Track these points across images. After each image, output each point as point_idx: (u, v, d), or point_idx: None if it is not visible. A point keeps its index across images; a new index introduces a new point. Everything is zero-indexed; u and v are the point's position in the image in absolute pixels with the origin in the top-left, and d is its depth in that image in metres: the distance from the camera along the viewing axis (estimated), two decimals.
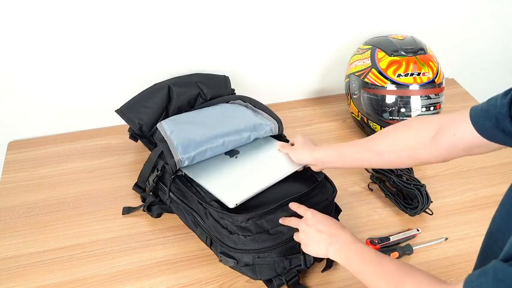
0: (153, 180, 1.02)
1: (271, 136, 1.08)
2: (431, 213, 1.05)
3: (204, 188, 0.94)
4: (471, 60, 1.55)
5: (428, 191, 1.06)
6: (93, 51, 1.18)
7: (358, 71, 1.22)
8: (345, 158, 0.89)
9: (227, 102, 1.17)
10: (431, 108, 1.16)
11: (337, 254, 0.77)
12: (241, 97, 1.17)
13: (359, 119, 1.26)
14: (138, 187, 1.09)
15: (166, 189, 1.00)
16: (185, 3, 1.16)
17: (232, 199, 0.89)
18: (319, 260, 0.92)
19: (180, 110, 1.16)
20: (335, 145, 0.93)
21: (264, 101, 1.17)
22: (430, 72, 1.16)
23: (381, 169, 1.12)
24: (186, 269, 0.94)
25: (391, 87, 1.16)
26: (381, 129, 1.20)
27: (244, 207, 0.89)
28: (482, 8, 1.42)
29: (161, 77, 1.21)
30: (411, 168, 1.14)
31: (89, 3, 1.10)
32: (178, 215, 1.03)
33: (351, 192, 1.12)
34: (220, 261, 0.90)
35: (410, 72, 1.15)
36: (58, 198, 1.10)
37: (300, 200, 0.88)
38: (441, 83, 1.18)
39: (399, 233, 1.00)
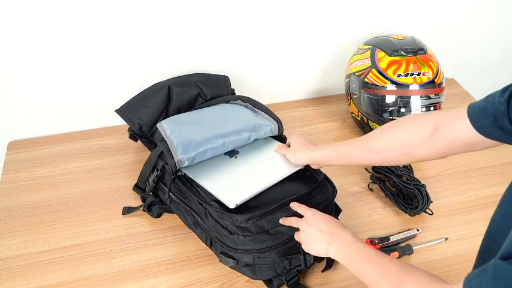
0: (153, 180, 1.02)
1: (271, 137, 1.08)
2: (431, 213, 1.05)
3: (204, 188, 0.94)
4: (471, 60, 1.55)
5: (429, 191, 1.06)
6: (93, 51, 1.18)
7: (358, 71, 1.22)
8: (342, 157, 0.90)
9: (227, 102, 1.17)
10: (431, 108, 1.16)
11: (337, 254, 0.77)
12: (241, 97, 1.17)
13: (359, 119, 1.26)
14: (138, 188, 1.09)
15: (166, 189, 1.00)
16: (185, 3, 1.16)
17: (232, 199, 0.89)
18: (319, 260, 0.92)
19: (180, 110, 1.16)
20: (332, 145, 0.93)
21: (264, 101, 1.18)
22: (430, 72, 1.16)
23: (381, 169, 1.12)
24: (186, 269, 0.94)
25: (391, 87, 1.16)
26: None
27: (244, 208, 0.89)
28: (482, 8, 1.42)
29: (161, 77, 1.21)
30: (411, 168, 1.14)
31: (88, 3, 1.10)
32: (178, 215, 1.03)
33: (351, 192, 1.12)
34: (220, 261, 0.90)
35: (410, 72, 1.15)
36: (58, 198, 1.10)
37: (300, 200, 0.88)
38: (441, 83, 1.18)
39: (399, 233, 1.00)
